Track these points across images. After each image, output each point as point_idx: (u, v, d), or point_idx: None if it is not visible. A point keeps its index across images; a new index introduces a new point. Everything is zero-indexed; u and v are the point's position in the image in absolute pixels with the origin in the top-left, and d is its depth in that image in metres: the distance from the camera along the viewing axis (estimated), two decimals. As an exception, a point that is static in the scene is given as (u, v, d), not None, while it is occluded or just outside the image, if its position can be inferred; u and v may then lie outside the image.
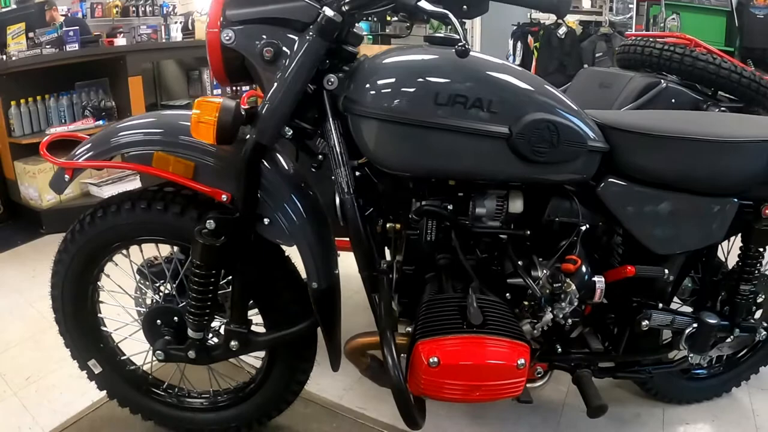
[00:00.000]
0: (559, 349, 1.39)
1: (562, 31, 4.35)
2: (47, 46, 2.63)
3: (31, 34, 2.63)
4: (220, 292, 1.31)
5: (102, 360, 1.42)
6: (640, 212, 1.31)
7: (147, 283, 1.40)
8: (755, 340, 1.60)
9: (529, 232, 1.29)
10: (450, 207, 1.27)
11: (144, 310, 1.38)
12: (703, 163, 1.30)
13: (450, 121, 1.12)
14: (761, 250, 1.49)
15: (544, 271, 1.25)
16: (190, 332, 1.28)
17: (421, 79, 1.13)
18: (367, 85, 1.14)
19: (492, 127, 1.13)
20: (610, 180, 1.30)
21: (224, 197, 1.21)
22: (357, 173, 1.25)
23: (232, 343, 1.29)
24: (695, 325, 1.42)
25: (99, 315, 1.41)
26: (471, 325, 1.11)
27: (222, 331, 1.32)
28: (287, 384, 1.41)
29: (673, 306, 1.51)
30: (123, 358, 1.45)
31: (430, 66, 1.17)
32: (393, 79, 1.13)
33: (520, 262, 1.29)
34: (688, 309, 1.53)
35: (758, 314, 1.64)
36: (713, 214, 1.37)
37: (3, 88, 2.62)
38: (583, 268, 1.25)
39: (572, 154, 1.19)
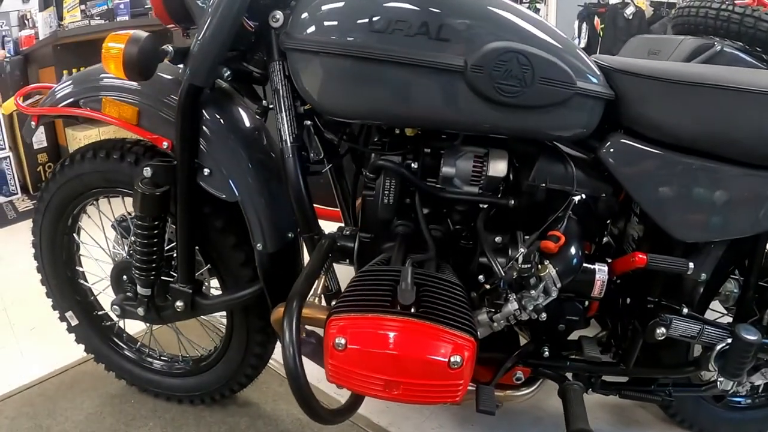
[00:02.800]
0: (546, 353, 1.11)
1: (629, 11, 3.80)
2: (97, 18, 2.73)
3: (83, 6, 2.72)
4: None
5: (79, 313, 1.41)
6: (656, 183, 1.00)
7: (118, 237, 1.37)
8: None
9: (513, 202, 1.04)
10: (414, 165, 1.06)
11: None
12: (744, 121, 0.97)
13: (389, 52, 0.91)
14: None
15: (521, 250, 0.98)
16: (138, 288, 1.22)
17: (355, 2, 0.93)
18: (303, 15, 0.97)
19: (442, 58, 0.90)
20: (616, 139, 1.00)
21: (165, 144, 1.12)
22: (309, 123, 1.09)
23: (178, 303, 1.20)
24: (729, 340, 1.06)
25: (77, 268, 1.41)
26: (400, 305, 0.90)
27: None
28: (244, 357, 1.29)
29: (712, 315, 1.20)
30: (99, 313, 1.44)
31: None
32: (328, 5, 0.95)
33: (498, 238, 1.05)
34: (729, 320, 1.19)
35: None
36: (759, 193, 1.01)
37: (57, 57, 2.72)
38: (572, 249, 0.97)
39: (554, 98, 0.92)
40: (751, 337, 1.07)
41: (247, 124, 1.15)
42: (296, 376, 0.91)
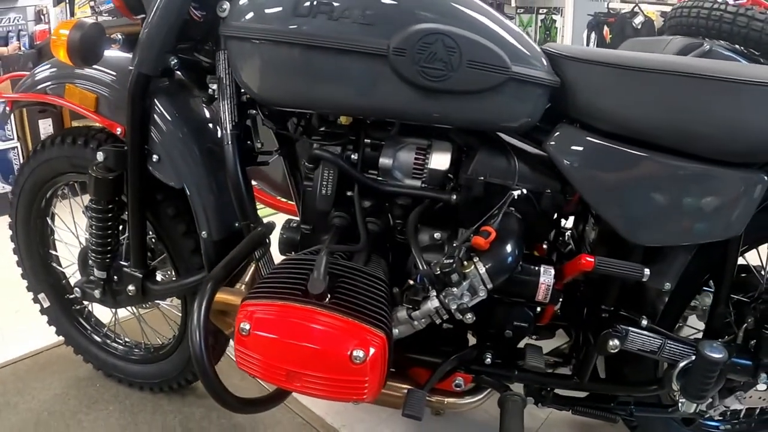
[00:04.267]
0: (489, 360, 1.04)
1: (638, 20, 3.62)
2: (105, 14, 2.81)
3: (92, 3, 2.84)
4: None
5: (51, 296, 1.45)
6: (605, 178, 0.93)
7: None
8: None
9: (456, 197, 0.98)
10: (354, 156, 1.03)
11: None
12: (712, 113, 0.88)
13: (313, 37, 0.88)
14: None
15: (454, 245, 0.93)
16: (95, 271, 1.24)
17: None
18: (240, 3, 0.96)
19: (365, 42, 0.87)
20: (562, 130, 0.94)
21: (119, 130, 1.14)
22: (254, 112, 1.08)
23: (130, 287, 1.21)
24: (693, 358, 0.96)
25: (50, 251, 1.44)
26: (310, 294, 0.86)
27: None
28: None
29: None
30: (70, 296, 1.47)
31: None
32: None
33: (438, 234, 1.00)
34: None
35: None
36: (726, 193, 0.92)
37: (68, 52, 2.93)
38: (506, 247, 0.91)
39: (485, 82, 0.87)
40: (716, 355, 0.96)
41: (197, 113, 1.15)
42: (201, 358, 0.90)
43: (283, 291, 0.87)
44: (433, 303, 0.89)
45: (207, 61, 1.09)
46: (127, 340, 1.46)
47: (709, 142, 0.90)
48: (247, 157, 1.11)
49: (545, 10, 4.28)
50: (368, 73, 0.89)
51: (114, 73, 1.16)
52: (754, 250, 1.13)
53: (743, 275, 1.15)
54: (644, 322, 1.04)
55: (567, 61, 0.92)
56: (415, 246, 0.93)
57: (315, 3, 0.87)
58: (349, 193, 1.03)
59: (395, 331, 0.92)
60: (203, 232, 1.13)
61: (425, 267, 0.90)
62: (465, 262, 0.88)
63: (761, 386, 1.12)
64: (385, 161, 1.00)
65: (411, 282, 0.93)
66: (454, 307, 0.89)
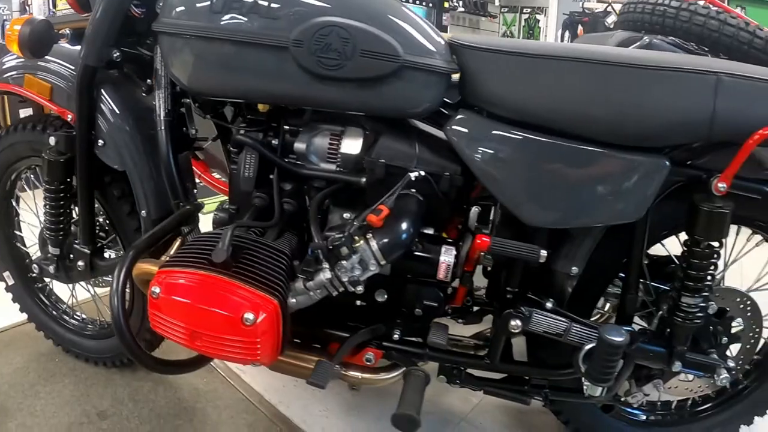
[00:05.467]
0: (397, 336, 1.10)
1: (610, 20, 3.67)
2: None
3: None
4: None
5: (15, 274, 1.55)
6: (499, 161, 0.99)
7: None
8: (722, 384, 1.13)
9: (365, 180, 1.05)
10: (275, 141, 1.10)
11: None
12: (603, 97, 0.93)
13: (227, 32, 0.96)
14: (714, 245, 1.00)
15: (355, 223, 0.99)
16: (49, 248, 1.33)
17: None
18: (169, 0, 1.04)
19: (270, 35, 0.94)
20: (460, 115, 1.00)
21: (69, 117, 1.24)
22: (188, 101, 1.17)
23: (80, 263, 1.30)
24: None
25: (15, 232, 1.54)
26: (214, 263, 0.93)
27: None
28: (142, 322, 1.36)
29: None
30: (33, 275, 1.56)
31: None
32: None
33: (347, 214, 1.07)
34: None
35: (735, 350, 1.18)
36: (623, 177, 0.96)
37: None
38: (400, 225, 0.97)
39: (378, 70, 0.94)
40: (616, 339, 0.99)
41: (138, 102, 1.24)
42: (118, 319, 0.99)
43: (192, 260, 0.95)
44: (325, 275, 0.96)
45: (148, 54, 1.18)
46: (84, 316, 1.55)
47: (605, 126, 0.94)
48: (182, 143, 1.21)
49: (529, 10, 4.34)
50: (275, 63, 0.96)
51: (68, 65, 1.26)
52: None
53: (672, 266, 1.17)
54: (549, 305, 1.08)
55: (467, 50, 0.98)
56: (313, 222, 1.00)
57: (228, 0, 0.95)
58: (271, 176, 1.11)
59: (293, 300, 0.98)
60: (143, 211, 1.21)
61: (319, 239, 0.96)
62: (356, 238, 0.95)
63: (688, 376, 1.17)
64: (301, 146, 1.08)
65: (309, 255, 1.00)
66: (345, 279, 0.95)
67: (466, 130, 0.99)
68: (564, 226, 1.02)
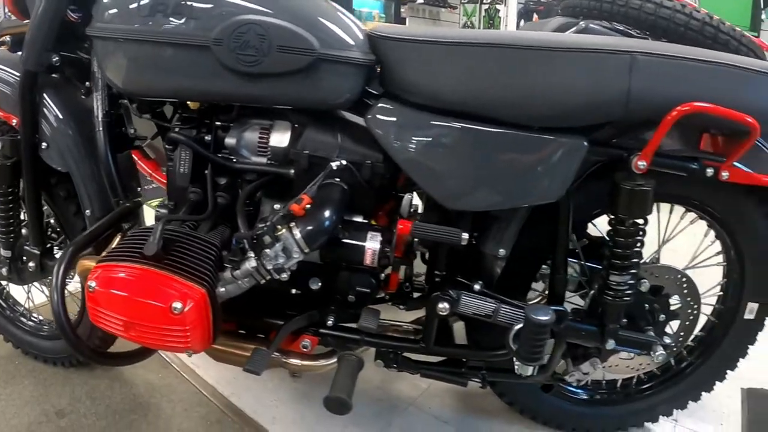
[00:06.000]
0: (330, 323, 1.14)
1: None
2: None
3: None
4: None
5: (-26, 276, 1.58)
6: (415, 147, 1.02)
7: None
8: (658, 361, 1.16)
9: (293, 171, 1.09)
10: (208, 138, 1.14)
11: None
12: (508, 80, 0.96)
13: (153, 34, 0.99)
14: (638, 222, 1.04)
15: (280, 213, 1.03)
16: (1, 250, 1.36)
17: None
18: (99, 5, 1.06)
19: (193, 36, 0.98)
20: (379, 104, 1.04)
21: (15, 121, 1.27)
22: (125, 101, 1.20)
23: (30, 264, 1.33)
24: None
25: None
26: (146, 256, 0.97)
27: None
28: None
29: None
30: (-9, 279, 1.59)
31: None
32: None
33: (277, 205, 1.10)
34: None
35: (675, 327, 1.21)
36: (539, 158, 1.00)
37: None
38: (322, 213, 1.00)
39: (294, 65, 0.98)
40: (541, 318, 1.01)
41: (79, 105, 1.26)
42: (59, 313, 1.03)
43: (126, 254, 0.99)
44: (250, 263, 0.99)
45: (86, 57, 1.21)
46: (41, 318, 1.58)
47: (518, 109, 0.98)
48: (122, 143, 1.24)
49: (489, 0, 4.39)
50: (199, 63, 1.00)
51: (11, 71, 1.28)
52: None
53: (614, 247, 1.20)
54: (477, 287, 1.12)
55: (384, 40, 1.02)
56: (240, 214, 1.04)
57: (154, 3, 0.99)
58: (207, 171, 1.15)
59: (222, 289, 1.02)
60: (87, 211, 1.25)
61: (243, 229, 1.00)
62: (278, 227, 0.98)
63: (629, 354, 1.19)
64: (232, 141, 1.11)
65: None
66: (270, 267, 0.99)
67: (384, 119, 1.03)
68: (483, 208, 1.06)
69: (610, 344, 1.13)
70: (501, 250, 1.11)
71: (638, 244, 1.08)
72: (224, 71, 0.99)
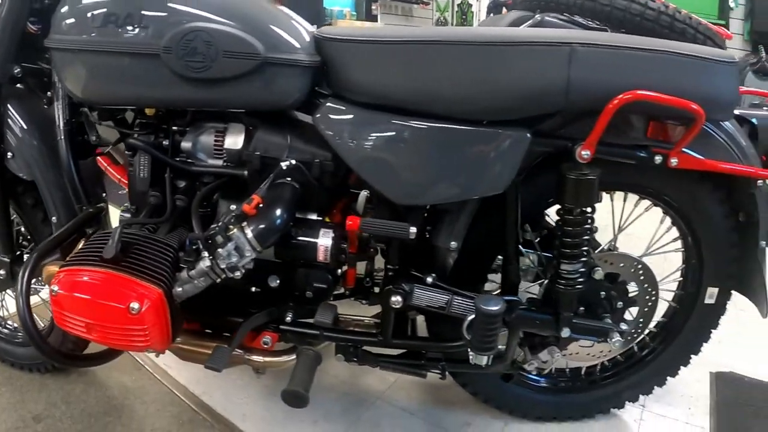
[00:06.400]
0: (288, 319, 1.17)
1: None
2: None
3: None
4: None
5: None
6: (360, 144, 1.05)
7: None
8: (616, 347, 1.17)
9: (247, 173, 1.12)
10: (166, 142, 1.17)
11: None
12: (448, 76, 0.99)
13: (107, 44, 1.02)
14: (586, 211, 1.07)
15: (232, 213, 1.06)
16: (-27, 258, 1.39)
17: (80, 4, 1.05)
18: (55, 17, 1.09)
19: (143, 45, 1.01)
20: (325, 103, 1.07)
21: (-20, 133, 1.31)
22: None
23: (0, 272, 1.36)
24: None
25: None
26: (105, 259, 1.00)
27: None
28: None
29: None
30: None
31: None
32: (65, 7, 1.07)
33: (233, 206, 1.13)
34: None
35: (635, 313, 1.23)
36: (481, 151, 1.03)
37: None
38: (273, 212, 1.03)
39: (240, 69, 1.01)
40: (491, 308, 1.04)
41: (42, 114, 1.29)
42: (24, 318, 1.07)
43: (87, 258, 1.03)
44: (205, 263, 1.02)
45: (48, 68, 1.25)
46: (15, 325, 1.60)
47: (458, 103, 1.00)
48: (84, 150, 1.27)
49: None
50: (151, 70, 1.03)
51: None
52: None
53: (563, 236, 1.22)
54: (429, 280, 1.15)
55: (328, 41, 1.05)
56: (194, 215, 1.07)
57: (106, 14, 1.02)
58: (165, 175, 1.18)
59: (179, 289, 1.05)
60: (53, 218, 1.28)
61: (198, 230, 1.04)
62: (230, 227, 1.01)
63: (588, 342, 1.22)
64: (188, 145, 1.15)
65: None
66: (223, 266, 1.02)
67: (330, 117, 1.06)
68: (429, 202, 1.09)
69: (566, 332, 1.15)
70: (453, 243, 1.14)
71: (587, 233, 1.11)
72: (175, 78, 1.02)
